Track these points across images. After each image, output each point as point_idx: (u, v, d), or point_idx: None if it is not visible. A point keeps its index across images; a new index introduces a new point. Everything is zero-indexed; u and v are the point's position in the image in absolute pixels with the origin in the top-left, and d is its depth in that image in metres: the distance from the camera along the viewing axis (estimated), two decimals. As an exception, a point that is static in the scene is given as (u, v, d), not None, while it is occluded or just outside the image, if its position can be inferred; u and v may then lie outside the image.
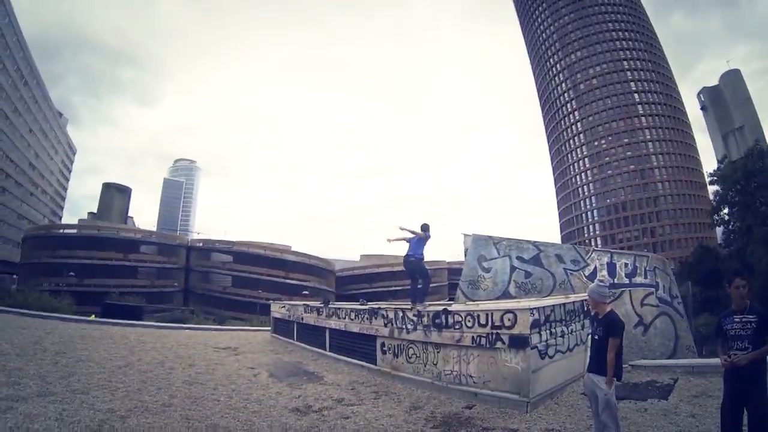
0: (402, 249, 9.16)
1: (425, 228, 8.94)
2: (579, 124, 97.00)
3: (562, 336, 7.28)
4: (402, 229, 8.94)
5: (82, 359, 9.50)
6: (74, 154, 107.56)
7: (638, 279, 10.09)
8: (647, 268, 10.21)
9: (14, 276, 62.21)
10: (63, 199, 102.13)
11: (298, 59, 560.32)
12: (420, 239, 8.89)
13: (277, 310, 16.75)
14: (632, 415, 5.86)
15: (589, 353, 4.83)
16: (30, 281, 49.24)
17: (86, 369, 8.62)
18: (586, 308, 7.40)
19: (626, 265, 10.30)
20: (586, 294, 8.74)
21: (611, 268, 10.31)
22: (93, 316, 21.28)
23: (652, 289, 9.96)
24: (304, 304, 14.56)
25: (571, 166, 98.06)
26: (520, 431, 5.69)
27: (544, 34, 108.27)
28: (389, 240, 9.28)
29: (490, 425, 5.94)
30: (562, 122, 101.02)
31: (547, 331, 6.90)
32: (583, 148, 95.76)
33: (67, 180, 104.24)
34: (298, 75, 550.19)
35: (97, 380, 7.84)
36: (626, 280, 10.08)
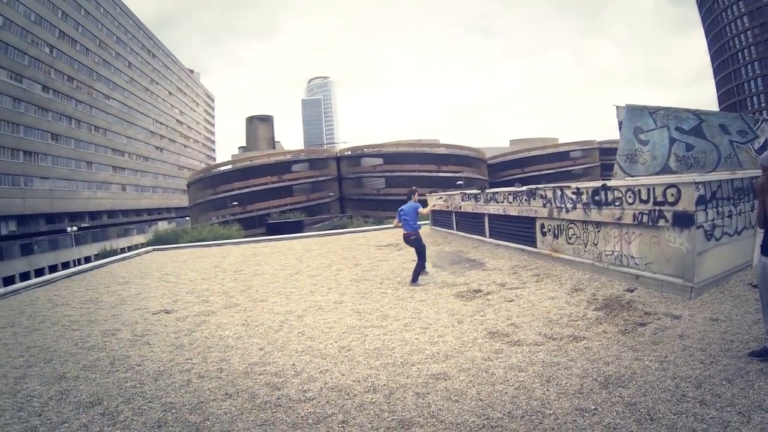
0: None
1: (411, 194, 9.49)
2: (737, -30, 78.03)
3: (730, 216, 6.71)
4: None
5: (257, 273, 10.90)
6: (213, 101, 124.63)
7: None
8: None
9: (187, 218, 75.70)
10: (213, 142, 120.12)
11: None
12: (414, 208, 9.13)
13: (435, 202, 17.27)
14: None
15: (762, 236, 4.22)
16: (201, 218, 58.79)
17: (262, 281, 9.87)
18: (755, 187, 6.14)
19: None
20: (756, 168, 7.17)
21: (785, 144, 8.64)
22: None
23: None
24: (461, 193, 14.96)
25: (728, 27, 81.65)
26: (684, 318, 5.42)
27: None
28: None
29: (652, 310, 5.82)
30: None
31: (714, 210, 6.42)
32: (740, 2, 78.20)
33: (213, 125, 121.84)
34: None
35: (272, 289, 8.93)
36: None
